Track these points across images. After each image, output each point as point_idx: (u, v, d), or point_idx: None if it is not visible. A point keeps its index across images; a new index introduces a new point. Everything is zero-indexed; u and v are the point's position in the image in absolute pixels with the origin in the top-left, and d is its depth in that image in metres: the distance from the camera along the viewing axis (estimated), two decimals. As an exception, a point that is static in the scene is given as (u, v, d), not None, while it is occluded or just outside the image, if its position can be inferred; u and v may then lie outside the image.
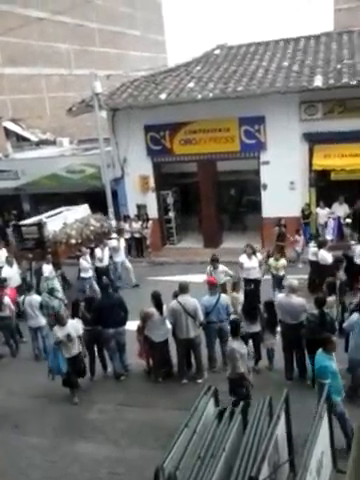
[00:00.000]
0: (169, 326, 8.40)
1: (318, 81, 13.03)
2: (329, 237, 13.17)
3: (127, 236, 15.28)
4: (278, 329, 8.14)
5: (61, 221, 12.73)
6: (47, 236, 12.05)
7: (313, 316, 7.36)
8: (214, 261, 10.43)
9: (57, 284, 11.08)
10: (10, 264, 11.93)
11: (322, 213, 14.27)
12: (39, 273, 12.40)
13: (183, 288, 8.30)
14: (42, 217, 13.06)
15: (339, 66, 13.53)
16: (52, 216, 13.17)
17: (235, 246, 15.48)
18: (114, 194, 15.93)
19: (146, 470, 5.40)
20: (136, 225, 15.41)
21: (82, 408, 7.96)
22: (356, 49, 14.53)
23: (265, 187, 14.76)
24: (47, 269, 11.62)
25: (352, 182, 13.53)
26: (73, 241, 12.47)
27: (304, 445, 4.58)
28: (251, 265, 10.75)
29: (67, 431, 7.41)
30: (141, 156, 15.67)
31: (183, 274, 12.36)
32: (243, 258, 10.86)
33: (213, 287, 8.54)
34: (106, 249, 13.04)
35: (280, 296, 7.95)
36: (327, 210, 14.31)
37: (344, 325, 7.49)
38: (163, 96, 14.46)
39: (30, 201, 18.16)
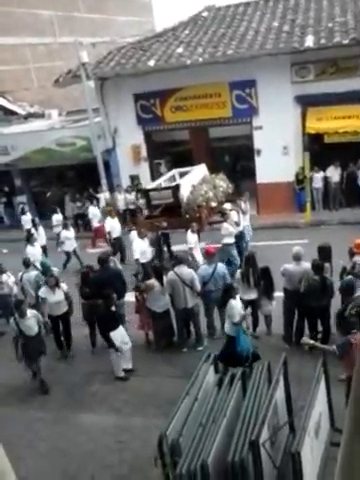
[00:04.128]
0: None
1: (309, 41, 12.75)
2: None
3: (122, 208, 15.22)
4: (275, 295, 8.21)
5: (189, 183, 11.09)
6: (182, 200, 10.51)
7: (315, 281, 7.36)
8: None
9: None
10: (142, 237, 10.69)
11: (317, 177, 14.21)
12: (158, 243, 11.54)
13: (180, 259, 8.43)
14: (161, 181, 11.35)
15: (331, 25, 13.22)
16: (175, 179, 11.51)
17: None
18: (106, 165, 15.79)
19: (150, 437, 5.55)
20: (130, 197, 15.33)
21: (84, 380, 8.09)
22: (348, 6, 14.15)
23: (259, 152, 14.63)
24: (192, 238, 10.31)
25: (345, 144, 13.42)
26: (213, 204, 11.01)
27: (303, 408, 4.70)
28: None
29: (72, 403, 7.55)
30: (132, 125, 15.45)
31: (179, 244, 12.33)
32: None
33: (210, 256, 8.57)
34: (240, 212, 11.44)
35: (289, 266, 7.86)
36: (321, 174, 14.25)
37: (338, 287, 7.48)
38: (151, 63, 14.13)
39: (21, 176, 17.98)
